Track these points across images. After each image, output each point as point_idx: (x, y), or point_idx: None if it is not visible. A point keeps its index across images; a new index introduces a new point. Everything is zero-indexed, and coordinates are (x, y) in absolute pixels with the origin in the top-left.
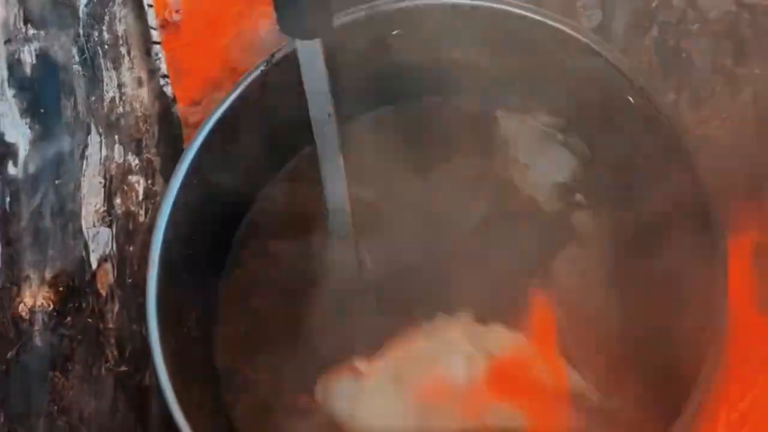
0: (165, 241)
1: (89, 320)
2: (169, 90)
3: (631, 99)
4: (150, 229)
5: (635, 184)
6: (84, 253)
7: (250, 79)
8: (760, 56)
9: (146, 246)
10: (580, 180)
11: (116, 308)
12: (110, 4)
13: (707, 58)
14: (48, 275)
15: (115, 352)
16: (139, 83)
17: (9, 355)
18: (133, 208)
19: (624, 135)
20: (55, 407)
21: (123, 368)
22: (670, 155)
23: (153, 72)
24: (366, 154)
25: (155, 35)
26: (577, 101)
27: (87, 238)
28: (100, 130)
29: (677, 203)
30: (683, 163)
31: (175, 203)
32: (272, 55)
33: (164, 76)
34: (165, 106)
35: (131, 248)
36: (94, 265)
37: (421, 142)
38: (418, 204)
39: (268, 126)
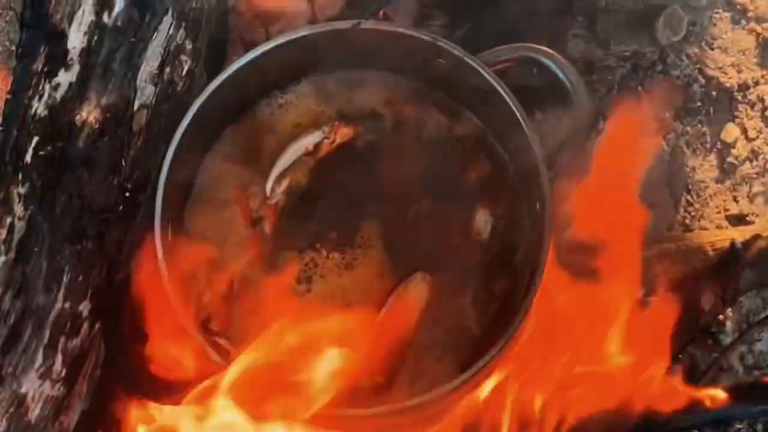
0: (194, 116)
1: (117, 144)
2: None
3: None
4: (183, 96)
5: None
6: (132, 97)
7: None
8: None
9: (177, 108)
10: None
11: (139, 143)
12: None
13: None
14: (103, 102)
15: (127, 173)
16: None
17: (59, 145)
18: (176, 79)
19: None
20: (75, 192)
21: (128, 184)
22: None
23: None
24: None
25: None
26: None
27: (138, 87)
28: (174, 15)
29: None
30: None
31: (212, 93)
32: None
33: None
34: (224, 14)
35: (165, 106)
36: (135, 108)
37: None
38: None
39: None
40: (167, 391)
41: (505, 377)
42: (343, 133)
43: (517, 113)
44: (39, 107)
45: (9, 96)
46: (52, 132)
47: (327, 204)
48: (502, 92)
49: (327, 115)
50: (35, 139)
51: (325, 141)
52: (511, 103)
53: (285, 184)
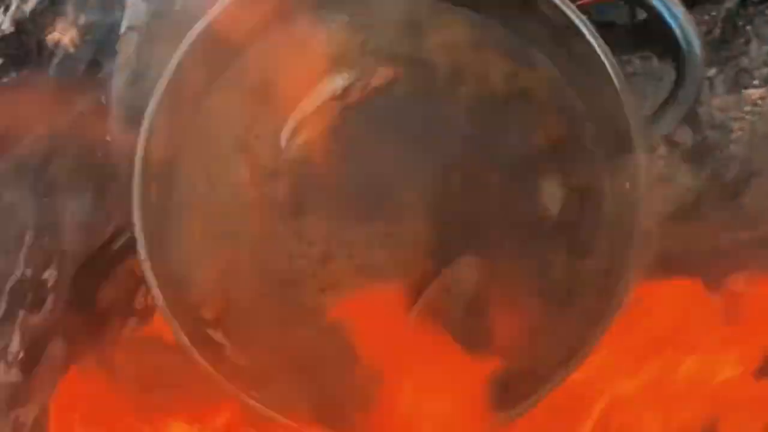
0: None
1: (99, 75)
2: None
3: None
4: (182, 17)
5: None
6: (119, 17)
7: None
8: None
9: (172, 31)
10: None
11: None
12: None
13: None
14: (82, 20)
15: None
16: None
17: (25, 71)
18: None
19: None
20: None
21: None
22: None
23: None
24: None
25: None
26: None
27: (126, 3)
28: None
29: None
30: None
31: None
32: None
33: None
34: None
35: (158, 29)
36: (122, 30)
37: None
38: None
39: None
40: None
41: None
42: (381, 75)
43: (605, 60)
44: (4, 21)
45: None
46: (18, 54)
47: (355, 164)
48: (585, 32)
49: (362, 53)
50: None
51: (358, 83)
52: (597, 48)
53: (305, 135)
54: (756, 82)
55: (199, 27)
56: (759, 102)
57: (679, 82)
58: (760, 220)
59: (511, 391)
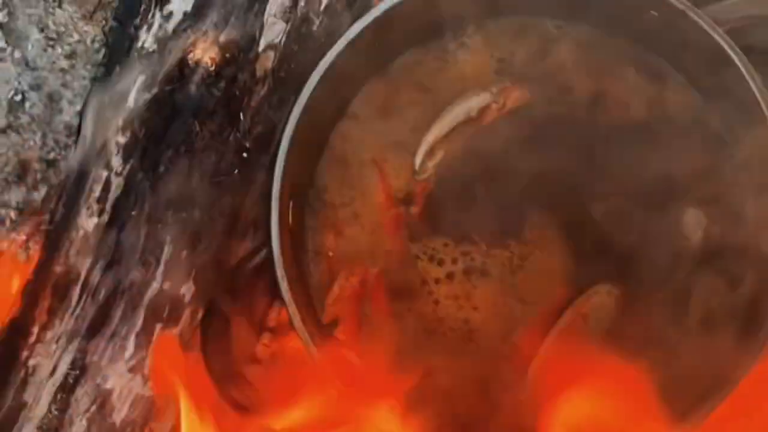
0: (331, 64)
1: (236, 91)
2: None
3: None
4: (319, 37)
5: None
6: (257, 34)
7: None
8: None
9: (310, 51)
10: None
11: (263, 92)
12: None
13: None
14: (222, 38)
15: (247, 127)
16: None
17: (167, 88)
18: (312, 16)
19: None
20: (183, 147)
21: (247, 144)
22: None
23: None
24: None
25: None
26: None
27: (265, 22)
28: None
29: None
30: None
31: (353, 40)
32: None
33: None
34: None
35: (296, 48)
36: (261, 48)
37: None
38: None
39: None
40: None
41: None
42: (516, 96)
43: (753, 86)
44: (147, 39)
45: (113, 23)
46: (161, 71)
47: (489, 186)
48: (735, 59)
49: (498, 74)
50: (140, 78)
51: (493, 105)
52: (746, 74)
53: (439, 156)
54: None
55: (332, 53)
56: None
57: None
58: None
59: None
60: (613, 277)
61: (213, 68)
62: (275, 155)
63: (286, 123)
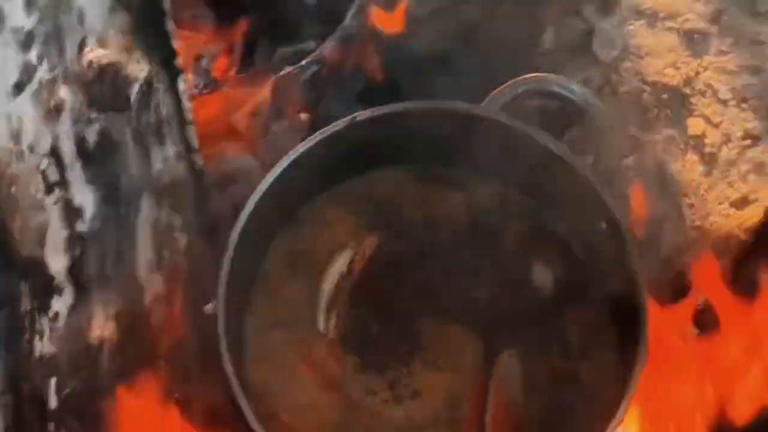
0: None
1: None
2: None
3: None
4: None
5: None
6: (141, 295)
7: None
8: None
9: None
10: None
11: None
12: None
13: None
14: (111, 311)
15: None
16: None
17: (83, 375)
18: (177, 259)
19: None
20: None
21: None
22: None
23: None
24: None
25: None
26: None
27: (142, 281)
28: (151, 194)
29: None
30: None
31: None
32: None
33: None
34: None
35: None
36: (147, 304)
37: None
38: None
39: None
40: None
41: None
42: (370, 242)
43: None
44: (43, 346)
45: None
46: (69, 364)
47: (383, 318)
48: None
49: (353, 228)
50: (53, 381)
51: (356, 257)
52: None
53: (334, 316)
54: None
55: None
56: None
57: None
58: None
59: None
60: (509, 343)
61: (117, 337)
62: None
63: None
